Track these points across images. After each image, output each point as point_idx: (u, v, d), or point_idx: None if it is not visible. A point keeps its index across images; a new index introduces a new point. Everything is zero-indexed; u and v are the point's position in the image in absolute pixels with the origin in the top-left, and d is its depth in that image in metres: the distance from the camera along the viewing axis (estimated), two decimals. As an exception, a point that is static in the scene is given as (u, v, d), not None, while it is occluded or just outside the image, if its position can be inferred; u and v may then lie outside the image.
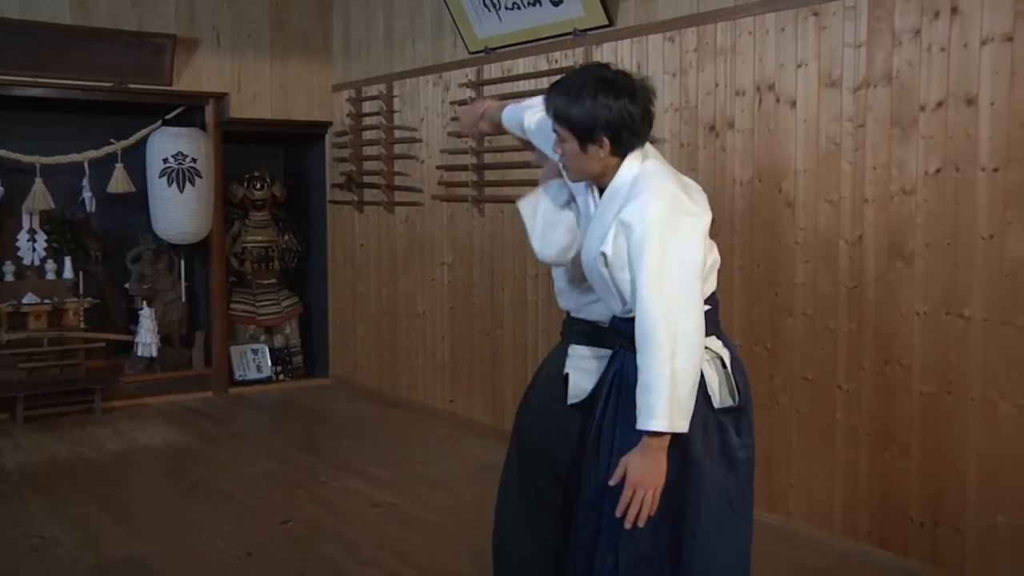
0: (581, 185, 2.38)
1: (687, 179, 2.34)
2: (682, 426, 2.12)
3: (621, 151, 2.23)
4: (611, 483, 2.19)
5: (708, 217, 2.25)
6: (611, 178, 2.25)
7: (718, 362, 2.30)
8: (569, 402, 2.48)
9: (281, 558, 3.72)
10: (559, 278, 2.55)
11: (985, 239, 3.29)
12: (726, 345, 2.35)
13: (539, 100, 2.49)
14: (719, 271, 2.37)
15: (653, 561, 2.23)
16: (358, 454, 5.18)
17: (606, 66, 2.32)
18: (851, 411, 3.72)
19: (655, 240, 2.11)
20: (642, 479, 2.13)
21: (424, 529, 4.04)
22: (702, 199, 2.29)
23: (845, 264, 3.72)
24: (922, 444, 3.50)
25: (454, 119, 5.67)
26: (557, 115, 2.24)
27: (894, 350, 3.57)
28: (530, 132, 2.58)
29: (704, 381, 2.24)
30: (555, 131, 2.27)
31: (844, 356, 3.73)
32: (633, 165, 2.23)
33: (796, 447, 3.91)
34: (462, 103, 5.56)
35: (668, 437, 2.12)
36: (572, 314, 2.54)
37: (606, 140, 2.19)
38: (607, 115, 2.17)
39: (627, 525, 2.15)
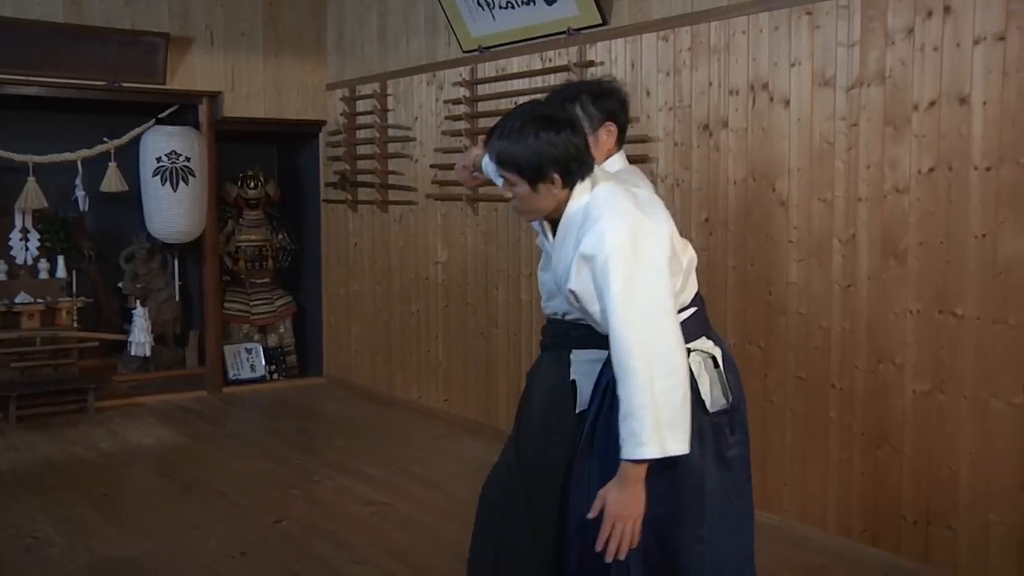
0: (535, 223, 2.35)
1: (641, 192, 2.30)
2: (677, 448, 2.06)
3: (571, 182, 2.19)
4: (589, 516, 2.14)
5: (668, 228, 2.21)
6: (563, 210, 2.22)
7: (710, 362, 2.29)
8: (579, 409, 2.39)
9: (275, 558, 3.71)
10: (551, 280, 2.46)
11: (978, 238, 3.30)
12: (717, 343, 2.35)
13: None
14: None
15: (666, 570, 2.23)
16: (352, 453, 5.18)
17: (538, 102, 2.30)
18: (844, 410, 3.72)
19: (618, 267, 2.07)
20: (621, 512, 2.09)
21: (418, 528, 4.04)
22: (659, 210, 2.24)
23: (838, 263, 3.72)
24: (915, 442, 3.51)
25: (448, 118, 5.67)
26: (502, 161, 2.20)
27: (887, 349, 3.58)
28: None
29: (696, 386, 2.23)
30: (502, 177, 2.23)
31: (837, 355, 3.74)
32: (583, 194, 2.20)
33: (790, 446, 3.92)
34: (456, 102, 5.57)
35: (646, 467, 2.07)
36: (569, 317, 2.44)
37: (556, 176, 2.16)
38: (552, 151, 2.14)
39: (608, 559, 2.10)
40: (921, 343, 3.48)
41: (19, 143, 6.07)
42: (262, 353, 7.03)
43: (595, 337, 2.32)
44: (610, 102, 2.51)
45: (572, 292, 2.18)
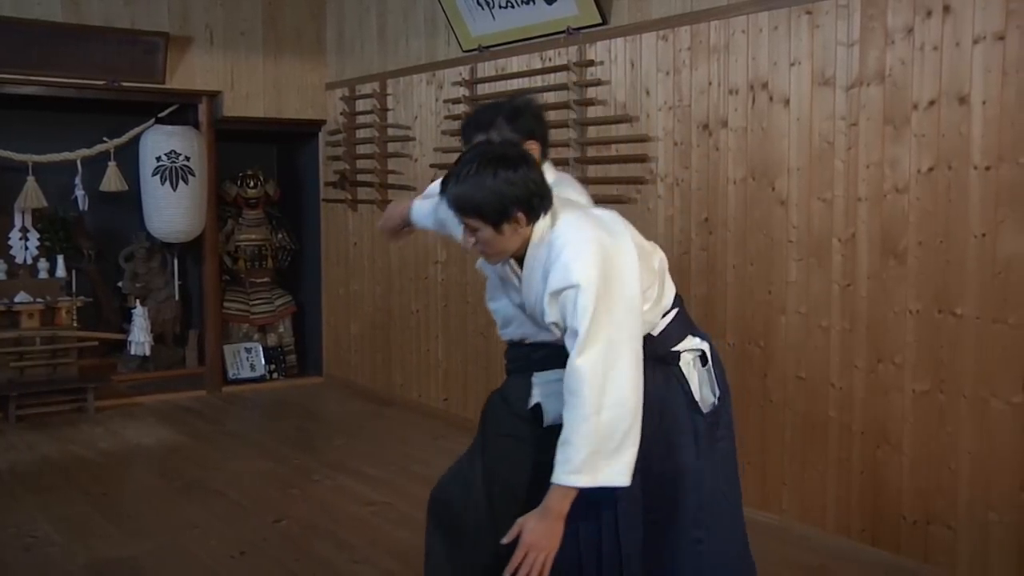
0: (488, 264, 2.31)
1: (600, 212, 2.26)
2: (613, 479, 2.02)
3: (535, 218, 2.14)
4: (504, 541, 2.12)
5: (632, 242, 2.16)
6: (526, 246, 2.17)
7: (699, 360, 2.29)
8: (547, 424, 2.33)
9: (274, 557, 3.71)
10: (505, 307, 2.43)
11: (977, 237, 3.30)
12: (703, 339, 2.34)
13: (436, 187, 2.39)
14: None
15: (666, 574, 2.24)
16: (352, 453, 5.18)
17: (488, 142, 2.26)
18: (844, 409, 3.72)
19: (586, 296, 2.03)
20: (537, 541, 2.06)
21: (418, 528, 4.00)
22: (618, 225, 2.20)
23: (838, 262, 3.72)
24: (914, 442, 3.51)
25: (447, 117, 5.67)
26: (462, 208, 2.12)
27: (887, 348, 3.58)
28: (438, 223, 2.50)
29: (688, 388, 2.24)
30: (464, 224, 2.16)
31: (837, 354, 3.74)
32: (545, 228, 2.15)
33: (789, 445, 3.92)
34: (455, 102, 5.57)
35: (571, 498, 2.05)
36: (528, 340, 2.41)
37: (521, 215, 2.11)
38: (513, 190, 2.08)
39: None
40: (920, 343, 3.48)
41: (19, 142, 6.07)
42: (262, 352, 7.02)
43: (556, 357, 2.25)
44: (526, 120, 2.48)
45: (554, 323, 2.14)
